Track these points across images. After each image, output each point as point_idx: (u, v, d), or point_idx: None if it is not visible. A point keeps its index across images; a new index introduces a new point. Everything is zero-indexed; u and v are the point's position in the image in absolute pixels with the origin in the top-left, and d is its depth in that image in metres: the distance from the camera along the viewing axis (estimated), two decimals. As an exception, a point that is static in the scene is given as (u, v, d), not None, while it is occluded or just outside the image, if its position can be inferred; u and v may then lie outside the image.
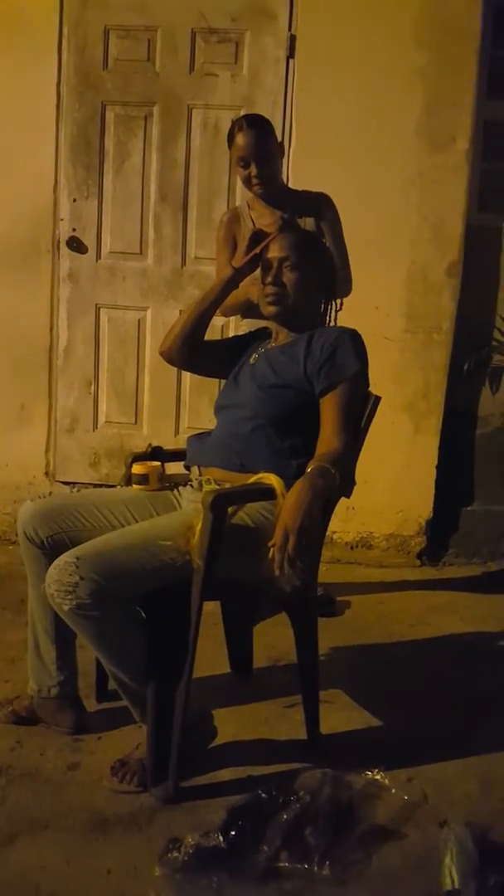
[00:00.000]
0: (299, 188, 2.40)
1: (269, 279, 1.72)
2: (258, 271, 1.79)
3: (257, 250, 1.77)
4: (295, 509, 1.46)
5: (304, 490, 1.48)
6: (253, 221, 2.29)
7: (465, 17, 2.83)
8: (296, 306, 1.73)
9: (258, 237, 1.79)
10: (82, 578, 1.43)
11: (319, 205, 2.30)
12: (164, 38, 2.98)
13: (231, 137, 2.22)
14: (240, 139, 2.18)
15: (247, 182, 2.24)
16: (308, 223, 2.27)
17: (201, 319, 1.83)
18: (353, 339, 1.71)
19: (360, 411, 1.72)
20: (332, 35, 2.86)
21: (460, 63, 2.86)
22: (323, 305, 1.81)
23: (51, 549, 1.64)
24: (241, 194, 2.99)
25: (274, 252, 1.73)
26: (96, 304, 3.13)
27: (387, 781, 1.56)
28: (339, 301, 2.01)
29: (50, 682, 1.73)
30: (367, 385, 1.74)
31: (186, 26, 2.95)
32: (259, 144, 2.16)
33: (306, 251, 1.74)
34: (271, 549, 1.46)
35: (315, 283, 1.75)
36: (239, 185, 2.96)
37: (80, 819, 1.47)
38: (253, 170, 2.19)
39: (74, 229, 3.09)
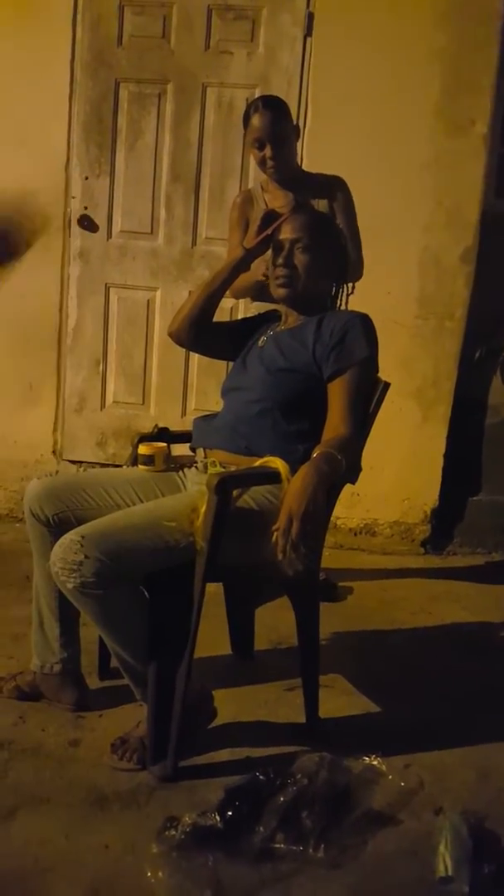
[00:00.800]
0: (314, 169, 2.37)
1: (281, 261, 1.71)
2: (269, 253, 1.77)
3: (269, 231, 1.75)
4: (299, 494, 1.46)
5: (309, 475, 1.48)
6: (266, 203, 2.27)
7: (487, -2, 2.77)
8: (306, 289, 1.72)
9: (270, 217, 1.77)
10: (87, 557, 1.44)
11: (333, 188, 2.28)
12: (179, 14, 2.93)
13: (247, 118, 2.21)
14: (255, 120, 2.16)
15: (261, 163, 2.23)
16: (322, 206, 2.25)
17: (211, 300, 1.82)
18: (364, 324, 1.69)
19: (368, 397, 1.70)
20: (350, 14, 2.81)
21: (481, 44, 2.80)
22: (334, 288, 1.79)
23: (56, 526, 1.65)
24: (254, 175, 2.96)
25: (286, 233, 1.71)
26: (106, 284, 3.12)
27: (384, 767, 1.57)
28: (351, 285, 1.99)
29: (53, 658, 1.75)
30: (377, 371, 1.73)
31: (202, 3, 2.91)
32: (274, 126, 2.15)
33: (319, 233, 1.72)
34: (275, 534, 1.46)
35: (327, 265, 1.73)
36: (252, 165, 2.94)
37: (79, 795, 1.49)
38: (268, 151, 2.17)
39: (86, 207, 3.07)
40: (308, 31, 2.88)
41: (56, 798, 1.48)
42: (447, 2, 2.77)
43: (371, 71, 2.83)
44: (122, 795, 1.49)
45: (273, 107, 2.17)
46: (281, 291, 1.73)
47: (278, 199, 2.24)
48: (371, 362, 1.69)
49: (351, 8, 2.81)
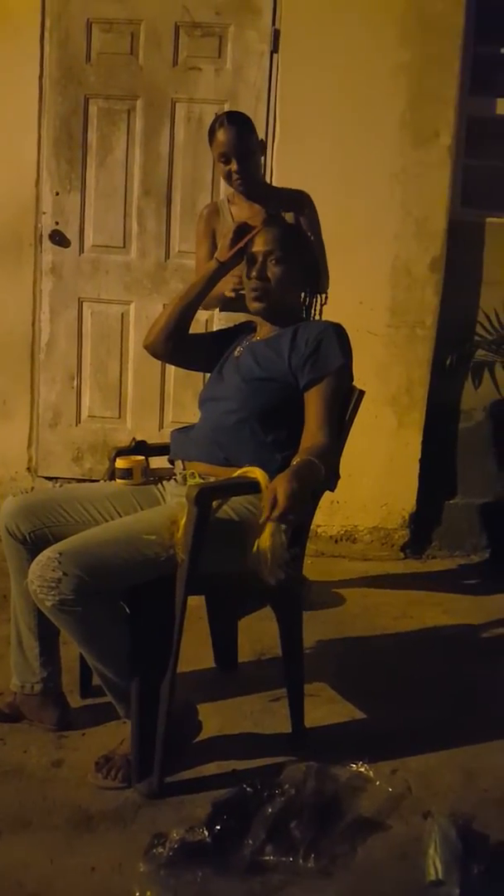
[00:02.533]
0: (283, 182, 2.41)
1: (254, 273, 1.72)
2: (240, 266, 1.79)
3: (242, 244, 1.76)
4: (286, 481, 1.44)
5: (290, 476, 1.47)
6: (232, 216, 2.29)
7: (448, 14, 2.84)
8: (281, 300, 1.73)
9: (243, 230, 1.79)
10: (65, 574, 1.42)
11: (299, 202, 2.31)
12: (147, 31, 2.96)
13: (212, 134, 2.23)
14: (220, 135, 2.19)
15: (227, 177, 2.25)
16: (288, 219, 2.28)
17: (185, 313, 1.82)
18: (338, 333, 1.71)
19: (344, 405, 1.72)
20: (315, 30, 2.86)
21: (443, 59, 2.87)
22: (307, 299, 1.81)
23: (33, 544, 1.63)
24: (225, 188, 2.98)
25: (259, 246, 1.73)
26: (79, 298, 3.11)
27: (371, 774, 1.57)
28: (324, 295, 2.01)
29: (33, 678, 1.72)
30: (352, 379, 1.75)
31: (170, 20, 2.94)
32: (239, 141, 2.18)
33: (291, 245, 1.74)
34: (263, 517, 1.44)
35: (299, 276, 1.75)
36: (223, 179, 2.96)
37: (64, 816, 1.46)
38: (233, 165, 2.20)
39: (57, 223, 3.07)
40: (274, 48, 2.92)
41: (39, 820, 1.45)
42: (411, 18, 2.83)
43: (337, 85, 2.87)
44: (108, 815, 1.47)
45: (237, 122, 2.21)
46: (255, 304, 1.74)
47: (244, 212, 2.26)
48: (346, 371, 1.70)
49: (316, 25, 2.86)
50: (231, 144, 2.17)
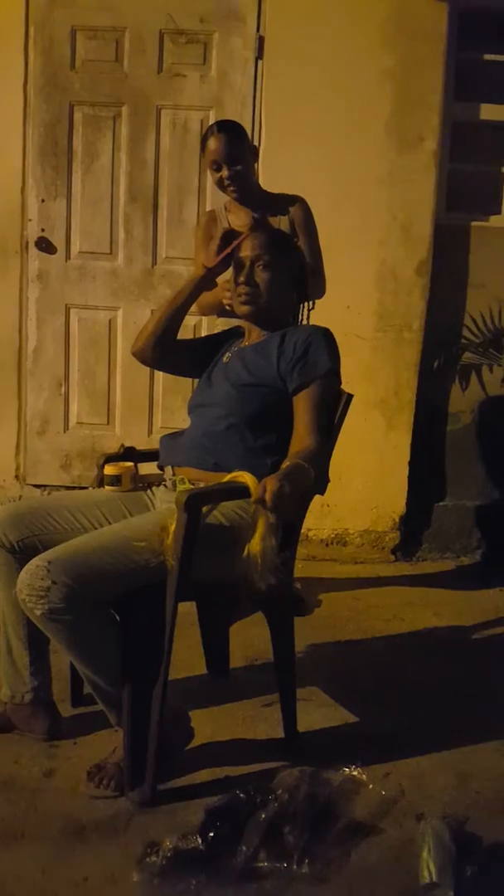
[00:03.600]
0: (269, 187, 2.41)
1: (242, 279, 1.72)
2: (231, 272, 1.79)
3: (229, 250, 1.77)
4: (275, 479, 1.43)
5: (279, 476, 1.46)
6: (229, 222, 2.30)
7: (431, 20, 2.86)
8: (269, 305, 1.74)
9: (230, 237, 1.79)
10: (54, 582, 1.41)
11: (294, 207, 2.32)
12: (131, 38, 2.96)
13: (204, 142, 2.26)
14: (212, 143, 2.21)
15: (220, 185, 2.27)
16: (283, 224, 2.30)
17: (174, 318, 1.82)
18: (326, 338, 1.71)
19: (332, 409, 1.72)
20: (300, 37, 2.87)
21: (427, 65, 2.89)
22: (296, 304, 1.82)
23: (22, 553, 1.62)
24: (212, 194, 2.99)
25: (246, 251, 1.73)
26: (66, 305, 3.10)
27: (364, 777, 1.57)
28: (311, 301, 2.02)
29: (23, 688, 1.71)
30: (340, 383, 1.75)
31: (154, 27, 2.94)
32: (230, 148, 2.20)
33: (279, 250, 1.74)
34: (253, 506, 1.43)
35: (287, 281, 1.76)
36: (209, 185, 2.97)
37: (56, 827, 1.45)
38: (225, 172, 2.22)
39: (43, 230, 3.06)
40: (259, 54, 2.93)
41: (31, 832, 1.44)
42: (394, 24, 2.85)
43: (322, 91, 2.89)
44: (100, 824, 1.46)
45: (228, 130, 2.23)
46: (244, 308, 1.75)
47: (241, 219, 2.28)
48: (334, 375, 1.71)
49: (300, 31, 2.87)
50: (222, 152, 2.19)
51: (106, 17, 2.95)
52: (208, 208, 2.98)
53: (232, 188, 2.24)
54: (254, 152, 2.31)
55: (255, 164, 2.31)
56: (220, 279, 1.87)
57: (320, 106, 2.89)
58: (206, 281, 1.82)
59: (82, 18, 2.95)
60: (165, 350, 1.83)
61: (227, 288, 1.91)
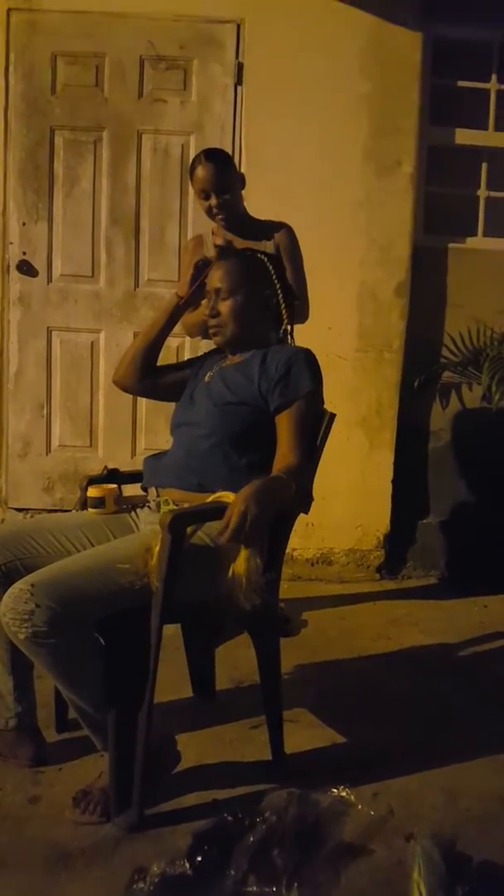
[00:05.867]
0: (250, 211, 2.44)
1: (208, 311, 1.76)
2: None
3: (202, 279, 1.79)
4: (241, 501, 1.46)
5: (245, 497, 1.48)
6: (232, 241, 2.35)
7: (407, 49, 2.94)
8: (237, 333, 1.75)
9: (202, 266, 1.81)
10: (38, 606, 1.40)
11: (280, 233, 2.37)
12: (112, 64, 3.00)
13: (192, 170, 2.31)
14: (199, 172, 2.27)
15: (208, 212, 2.32)
16: (269, 249, 2.34)
17: (152, 346, 1.85)
18: (307, 359, 1.73)
19: (314, 428, 1.73)
20: (278, 63, 2.93)
21: (403, 91, 2.96)
22: (274, 323, 1.82)
23: (4, 577, 1.60)
24: (194, 218, 3.02)
25: (210, 283, 1.76)
26: (48, 327, 3.11)
27: (353, 798, 1.55)
28: (287, 324, 2.03)
29: (7, 713, 1.68)
30: (322, 403, 1.77)
31: (135, 53, 2.99)
32: (218, 177, 2.25)
33: (240, 276, 1.73)
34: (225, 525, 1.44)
35: (257, 304, 1.74)
36: (191, 209, 3.02)
37: (41, 854, 1.43)
38: (213, 200, 2.27)
39: (25, 253, 3.07)
40: (238, 80, 2.98)
41: (15, 860, 1.41)
42: (371, 52, 2.93)
43: (301, 116, 2.94)
44: (87, 851, 1.44)
45: (215, 159, 2.28)
46: (216, 339, 1.79)
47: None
48: (315, 395, 1.72)
49: (278, 58, 2.93)
50: (210, 181, 2.25)
51: (86, 43, 2.99)
52: (190, 231, 3.02)
53: (220, 216, 2.30)
54: (241, 180, 2.36)
55: (243, 192, 2.36)
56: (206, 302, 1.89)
57: (299, 131, 2.94)
58: (181, 310, 1.85)
59: (63, 44, 2.99)
60: (146, 377, 1.85)
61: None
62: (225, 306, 1.73)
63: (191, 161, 2.37)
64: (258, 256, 1.77)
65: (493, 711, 2.02)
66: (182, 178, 3.02)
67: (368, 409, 3.03)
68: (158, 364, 1.90)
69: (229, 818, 1.41)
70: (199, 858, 1.32)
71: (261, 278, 1.76)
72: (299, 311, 2.35)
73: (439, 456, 3.16)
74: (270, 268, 1.77)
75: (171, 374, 1.91)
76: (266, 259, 1.79)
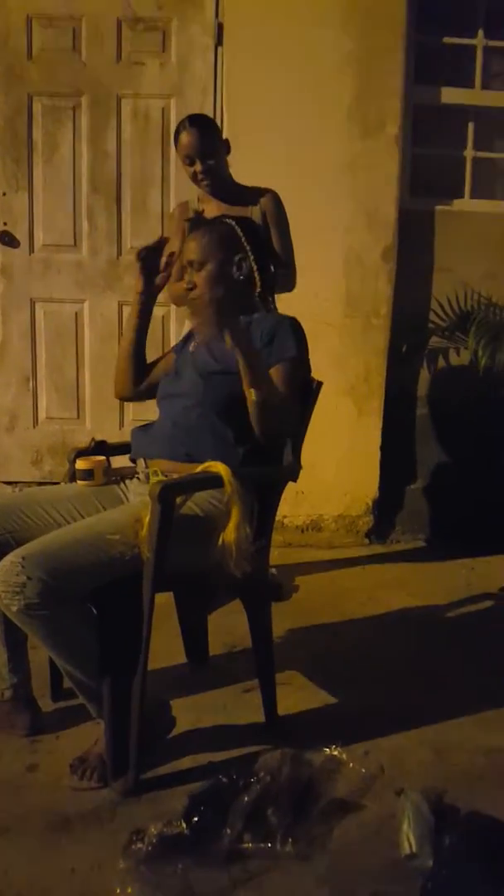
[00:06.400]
0: (234, 175, 2.41)
1: (185, 284, 1.74)
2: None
3: (168, 258, 1.76)
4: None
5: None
6: (203, 211, 2.33)
7: (391, 5, 2.87)
8: (217, 301, 1.72)
9: (146, 255, 1.77)
10: (29, 578, 1.41)
11: (265, 199, 2.35)
12: (89, 27, 2.92)
13: (176, 137, 2.28)
14: (184, 138, 2.25)
15: (193, 178, 2.30)
16: (255, 214, 2.32)
17: (136, 350, 1.86)
18: (292, 326, 1.72)
19: (300, 393, 1.73)
20: (259, 22, 2.86)
21: (387, 49, 2.90)
22: (255, 289, 1.79)
23: (-5, 550, 1.61)
24: (176, 183, 2.97)
25: (185, 257, 1.74)
26: (31, 299, 3.07)
27: (344, 756, 1.60)
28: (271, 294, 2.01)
29: (3, 685, 1.70)
30: (307, 371, 1.76)
31: (112, 15, 2.90)
32: (202, 142, 2.23)
33: (210, 244, 1.71)
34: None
35: (229, 269, 1.71)
36: (173, 174, 2.97)
37: (41, 820, 1.46)
38: (198, 166, 2.25)
39: (5, 223, 3.02)
40: (219, 41, 2.91)
41: (16, 826, 1.45)
42: (354, 9, 2.85)
43: (283, 77, 2.88)
44: (85, 815, 1.47)
45: (199, 124, 2.26)
46: (195, 315, 1.76)
47: (213, 210, 2.30)
48: (300, 362, 1.72)
49: (259, 17, 2.86)
50: (194, 146, 2.23)
51: (62, 4, 2.90)
52: (172, 197, 2.98)
53: (205, 182, 2.28)
54: (226, 146, 2.33)
55: (228, 157, 2.32)
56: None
57: (282, 92, 2.88)
58: (147, 306, 1.83)
59: (38, 6, 2.91)
60: (141, 380, 1.87)
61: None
62: (199, 277, 1.72)
63: (175, 127, 2.34)
64: (226, 222, 1.74)
65: (480, 670, 2.07)
66: (163, 143, 2.96)
67: (356, 376, 3.02)
68: (149, 361, 1.89)
69: (224, 779, 1.44)
70: (196, 819, 1.36)
71: (230, 244, 1.73)
72: (286, 279, 2.34)
73: (427, 421, 3.17)
74: (239, 231, 1.74)
75: (162, 366, 1.90)
76: (234, 224, 1.75)
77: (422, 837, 1.34)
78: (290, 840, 1.36)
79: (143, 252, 1.79)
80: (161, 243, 1.80)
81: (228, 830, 1.35)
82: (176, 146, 2.30)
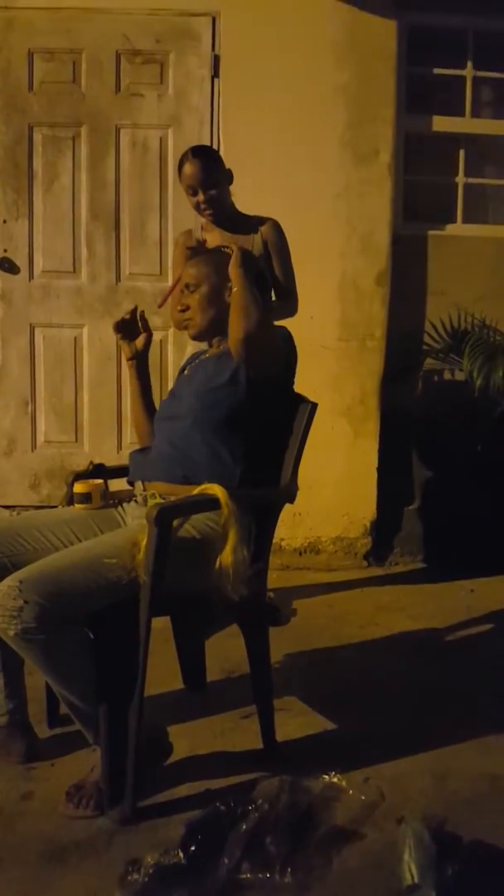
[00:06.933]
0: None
1: (179, 306, 1.78)
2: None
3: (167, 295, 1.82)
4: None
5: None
6: (205, 241, 2.38)
7: (382, 37, 2.94)
8: (206, 321, 1.75)
9: (121, 326, 1.85)
10: (26, 602, 1.41)
11: (266, 228, 2.39)
12: (88, 60, 2.98)
13: (180, 167, 2.33)
14: (187, 169, 2.30)
15: (196, 208, 2.35)
16: (257, 241, 2.37)
17: (143, 401, 1.89)
18: (283, 335, 1.76)
19: (280, 364, 1.75)
20: (254, 55, 2.93)
21: (380, 80, 2.96)
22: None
23: (-7, 574, 1.60)
24: (174, 211, 3.02)
25: (182, 281, 1.79)
26: (31, 324, 3.10)
27: (344, 783, 1.57)
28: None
29: (-2, 711, 1.69)
30: (293, 375, 1.79)
31: (111, 48, 2.97)
32: (205, 173, 2.28)
33: (205, 269, 1.76)
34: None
35: (222, 292, 1.74)
36: (171, 202, 3.02)
37: (35, 850, 1.43)
38: (200, 197, 2.30)
39: (6, 250, 3.05)
40: (215, 73, 2.97)
41: (10, 856, 1.42)
42: (346, 42, 2.92)
43: (279, 107, 2.94)
44: (81, 845, 1.45)
45: (202, 156, 2.31)
46: (189, 332, 1.81)
47: (216, 239, 2.35)
48: (287, 369, 1.74)
49: (254, 50, 2.93)
50: (196, 177, 2.28)
51: (62, 39, 2.97)
52: (170, 224, 3.02)
53: (208, 211, 2.32)
54: (229, 176, 2.37)
55: (229, 188, 2.37)
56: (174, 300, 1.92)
57: (277, 122, 2.94)
58: (141, 365, 1.88)
59: (39, 41, 2.97)
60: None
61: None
62: (192, 299, 1.75)
63: (172, 156, 2.39)
64: (224, 251, 1.79)
65: (481, 694, 2.05)
66: (161, 171, 3.02)
67: (352, 398, 3.04)
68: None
69: (222, 807, 1.42)
70: (193, 848, 1.34)
71: (225, 270, 1.75)
72: (287, 306, 2.38)
73: (423, 443, 3.18)
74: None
75: None
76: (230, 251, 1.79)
77: (423, 867, 1.31)
78: (288, 870, 1.34)
79: (118, 325, 1.86)
80: (134, 312, 1.87)
81: (226, 860, 1.33)
82: (179, 176, 2.35)
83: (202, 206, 2.32)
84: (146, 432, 1.90)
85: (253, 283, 1.67)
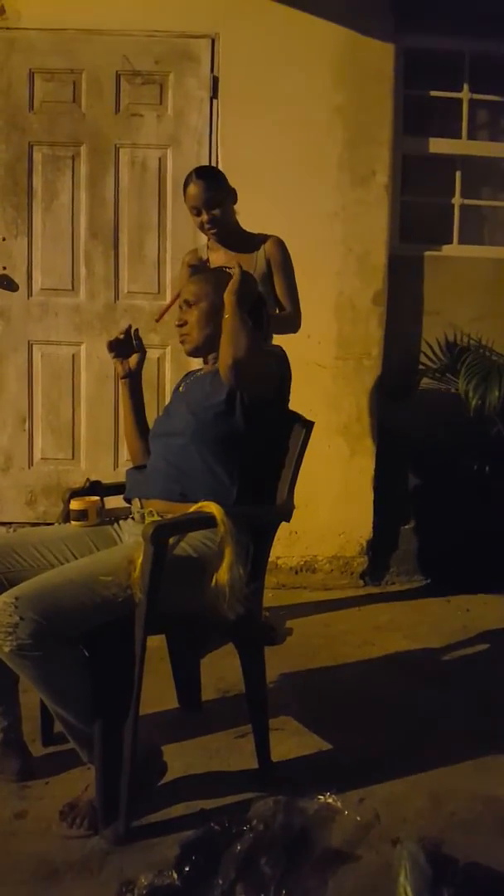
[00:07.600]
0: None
1: (177, 322, 1.81)
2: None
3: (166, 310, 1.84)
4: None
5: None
6: (209, 260, 2.42)
7: (379, 59, 2.99)
8: (202, 337, 1.77)
9: (114, 347, 1.88)
10: (22, 619, 1.40)
11: (270, 246, 2.42)
12: (88, 80, 3.02)
13: (185, 188, 2.37)
14: (191, 189, 2.33)
15: (200, 227, 2.38)
16: (260, 259, 2.40)
17: (136, 418, 1.91)
18: (277, 355, 1.77)
19: (269, 383, 1.74)
20: (253, 76, 2.97)
21: (377, 102, 3.01)
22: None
23: (-12, 591, 1.60)
24: (172, 230, 3.05)
25: (182, 297, 1.81)
26: (29, 341, 3.11)
27: (339, 804, 1.57)
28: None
29: (-8, 729, 1.68)
30: (287, 393, 1.80)
31: (111, 69, 3.01)
32: (207, 194, 2.31)
33: (204, 287, 1.78)
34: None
35: (220, 310, 1.75)
36: (169, 221, 3.05)
37: (28, 870, 1.42)
38: (204, 217, 2.34)
39: (5, 267, 3.08)
40: (214, 94, 3.02)
41: (3, 876, 1.41)
42: (344, 64, 2.97)
43: (277, 128, 2.98)
44: (74, 864, 1.43)
45: (206, 177, 2.35)
46: (185, 347, 1.82)
47: (220, 257, 2.39)
48: (281, 381, 1.76)
49: (253, 72, 2.97)
50: (200, 198, 2.32)
51: (63, 59, 3.01)
52: (169, 243, 3.05)
53: (212, 231, 2.36)
54: (233, 195, 2.40)
55: (233, 207, 2.40)
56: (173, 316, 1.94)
57: (275, 143, 2.98)
58: (134, 383, 1.90)
59: (39, 61, 3.01)
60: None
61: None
62: (190, 315, 1.77)
63: (172, 175, 2.42)
64: (224, 271, 1.82)
65: (477, 714, 2.04)
66: (160, 191, 3.05)
67: (349, 416, 3.05)
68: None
69: (217, 827, 1.41)
70: (187, 868, 1.33)
71: (223, 289, 1.77)
72: (289, 323, 2.40)
73: (419, 461, 3.19)
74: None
75: None
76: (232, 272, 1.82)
77: (419, 890, 1.31)
78: (283, 891, 1.32)
79: (112, 343, 1.88)
80: (128, 331, 1.89)
81: (220, 881, 1.32)
82: (184, 197, 2.38)
83: (206, 226, 2.35)
84: (138, 450, 1.91)
85: (245, 311, 1.68)
